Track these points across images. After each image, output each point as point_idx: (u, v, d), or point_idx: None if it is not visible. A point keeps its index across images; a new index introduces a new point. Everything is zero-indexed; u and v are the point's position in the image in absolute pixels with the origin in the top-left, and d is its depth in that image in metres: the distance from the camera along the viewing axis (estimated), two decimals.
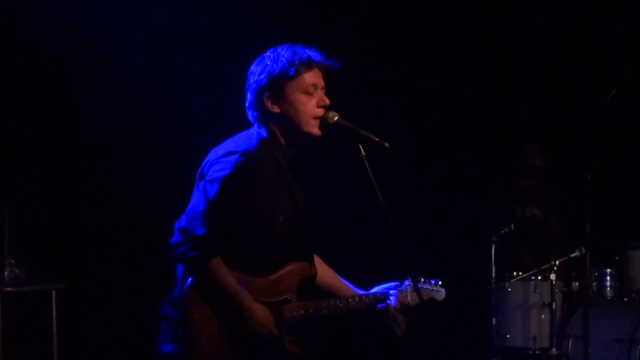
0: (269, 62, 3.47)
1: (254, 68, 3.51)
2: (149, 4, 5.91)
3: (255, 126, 3.55)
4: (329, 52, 3.56)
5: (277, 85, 3.45)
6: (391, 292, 3.75)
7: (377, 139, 3.47)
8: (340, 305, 3.64)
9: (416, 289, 3.63)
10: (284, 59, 3.45)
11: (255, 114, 3.52)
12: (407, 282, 3.75)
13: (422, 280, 3.84)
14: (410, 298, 3.74)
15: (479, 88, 7.21)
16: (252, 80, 3.49)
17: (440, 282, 3.89)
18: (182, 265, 3.40)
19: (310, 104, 3.49)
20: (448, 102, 7.17)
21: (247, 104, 3.54)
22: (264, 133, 3.51)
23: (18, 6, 5.73)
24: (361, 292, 3.76)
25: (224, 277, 3.33)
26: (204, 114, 5.87)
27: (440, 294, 3.88)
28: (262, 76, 3.45)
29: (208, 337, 3.33)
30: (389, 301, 3.74)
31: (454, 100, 7.17)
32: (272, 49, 3.51)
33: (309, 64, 3.47)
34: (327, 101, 3.52)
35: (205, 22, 6.08)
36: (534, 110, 7.22)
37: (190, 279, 3.35)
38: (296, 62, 3.45)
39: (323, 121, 3.52)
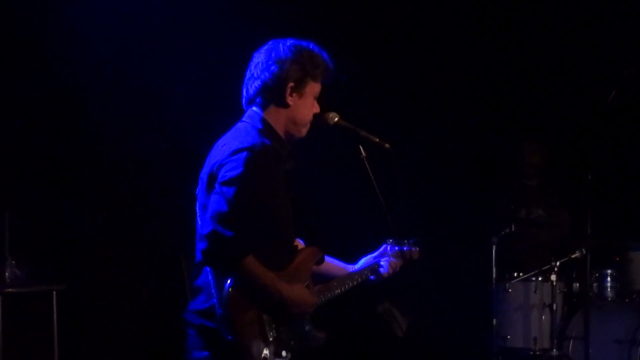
0: (303, 56, 3.50)
1: (279, 53, 3.50)
2: (150, 5, 5.92)
3: (248, 115, 3.56)
4: (331, 53, 3.57)
5: (304, 81, 3.50)
6: (382, 262, 3.87)
7: (377, 140, 3.50)
8: (348, 283, 3.76)
9: (402, 252, 3.82)
10: (319, 63, 3.52)
11: (269, 96, 3.52)
12: (390, 247, 3.90)
13: (400, 242, 3.95)
14: (399, 262, 3.89)
15: (480, 87, 7.22)
16: (278, 65, 3.49)
17: (413, 241, 4.00)
18: (217, 271, 3.38)
19: (313, 109, 3.58)
20: (448, 101, 7.17)
21: (259, 83, 3.52)
22: (258, 124, 3.52)
23: (20, 7, 5.74)
24: (352, 267, 3.87)
25: (261, 272, 3.35)
26: (205, 115, 5.86)
27: (416, 252, 4.01)
28: (296, 65, 3.48)
29: (255, 340, 3.35)
30: (381, 269, 3.87)
31: (454, 100, 7.18)
32: (300, 42, 3.53)
33: (328, 75, 3.57)
34: (318, 110, 3.61)
35: (204, 20, 6.09)
36: (536, 111, 7.22)
37: (227, 284, 3.33)
38: (325, 69, 3.54)
39: (323, 122, 3.54)
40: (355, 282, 3.79)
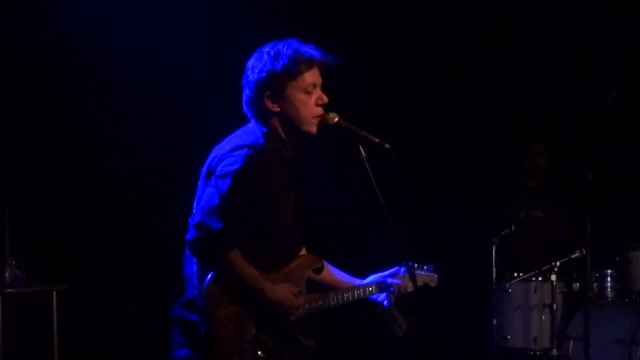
0: (269, 60, 3.45)
1: (253, 64, 3.49)
2: (149, 4, 5.92)
3: (253, 122, 3.55)
4: (329, 51, 3.55)
5: (278, 84, 3.44)
6: (389, 280, 3.78)
7: (378, 140, 3.48)
8: (347, 295, 3.69)
9: (411, 277, 3.70)
10: (285, 58, 3.43)
11: (254, 111, 3.51)
12: (403, 269, 3.79)
13: (416, 266, 3.88)
14: (408, 285, 3.78)
15: (481, 87, 7.21)
16: (251, 77, 3.48)
17: (432, 268, 3.94)
18: (200, 262, 3.38)
19: (310, 102, 3.49)
20: (449, 101, 7.16)
21: (245, 100, 3.53)
22: (264, 127, 3.51)
23: (19, 7, 5.74)
24: (358, 281, 3.81)
25: (244, 268, 3.33)
26: (204, 113, 5.87)
27: (434, 279, 3.94)
28: (263, 74, 3.44)
29: (230, 336, 3.33)
30: (390, 288, 3.77)
31: (455, 100, 7.17)
32: (270, 45, 3.49)
33: (310, 63, 3.47)
34: (325, 99, 3.53)
35: (204, 20, 6.09)
36: (536, 111, 7.22)
37: (208, 276, 3.33)
38: (298, 61, 3.44)
39: (323, 122, 3.52)
40: (355, 297, 3.71)
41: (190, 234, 3.32)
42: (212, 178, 3.39)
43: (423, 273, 3.90)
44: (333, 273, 3.79)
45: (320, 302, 3.59)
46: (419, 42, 7.03)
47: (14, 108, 5.82)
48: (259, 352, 3.38)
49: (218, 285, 3.33)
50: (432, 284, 3.92)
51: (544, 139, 6.88)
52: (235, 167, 3.35)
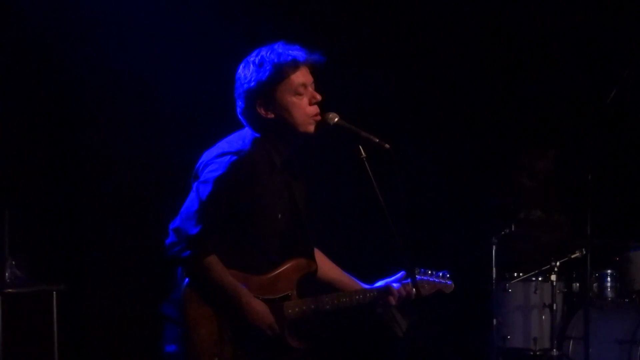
0: (254, 69, 3.45)
1: (241, 74, 3.50)
2: (145, 5, 5.92)
3: (247, 128, 3.56)
4: (325, 51, 3.55)
5: (267, 91, 3.44)
6: (394, 285, 3.74)
7: (378, 140, 3.47)
8: (344, 300, 3.66)
9: (414, 284, 3.65)
10: (269, 64, 3.43)
11: (249, 121, 3.52)
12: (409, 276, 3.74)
13: (430, 272, 3.84)
14: (415, 290, 3.71)
15: (480, 87, 7.21)
16: (240, 89, 3.49)
17: (448, 274, 3.89)
18: (178, 265, 3.41)
19: (303, 103, 3.49)
20: (449, 102, 7.16)
21: (238, 111, 3.54)
22: (256, 133, 3.52)
23: (18, 9, 5.74)
24: (365, 286, 3.78)
25: (220, 274, 3.35)
26: (200, 116, 5.87)
27: (448, 286, 3.88)
28: (252, 84, 3.44)
29: (208, 336, 3.34)
30: (390, 294, 3.73)
31: (455, 100, 7.17)
32: (256, 52, 3.50)
33: (294, 65, 3.46)
34: (318, 97, 3.51)
35: (202, 22, 6.08)
36: (536, 111, 7.22)
37: (187, 279, 3.36)
38: (282, 65, 3.43)
39: (323, 122, 3.52)
40: (354, 302, 3.67)
41: (168, 239, 3.35)
42: (195, 183, 3.42)
43: (436, 280, 3.85)
44: (348, 277, 3.78)
45: (312, 307, 3.56)
46: (420, 42, 7.03)
47: (14, 109, 5.81)
48: (240, 353, 3.38)
49: (195, 287, 3.35)
50: (446, 291, 3.87)
51: (539, 140, 6.88)
52: (217, 173, 3.37)
